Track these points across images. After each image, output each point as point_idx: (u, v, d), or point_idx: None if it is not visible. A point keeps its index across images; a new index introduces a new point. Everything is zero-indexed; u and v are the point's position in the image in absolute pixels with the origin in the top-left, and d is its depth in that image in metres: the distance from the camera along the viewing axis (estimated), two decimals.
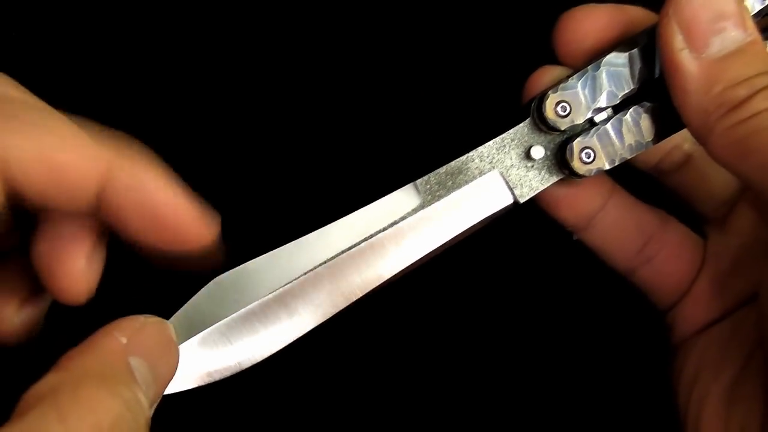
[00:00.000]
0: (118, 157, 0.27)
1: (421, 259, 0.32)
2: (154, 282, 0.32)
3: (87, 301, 0.29)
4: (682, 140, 0.36)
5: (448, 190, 0.33)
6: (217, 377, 0.31)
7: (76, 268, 0.28)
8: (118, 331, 0.26)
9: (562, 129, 0.33)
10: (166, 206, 0.28)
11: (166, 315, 0.30)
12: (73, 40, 0.44)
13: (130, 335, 0.26)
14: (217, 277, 0.31)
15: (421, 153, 0.39)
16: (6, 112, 0.26)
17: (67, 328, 0.30)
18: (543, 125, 0.33)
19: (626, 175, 0.36)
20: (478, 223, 0.33)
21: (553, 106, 0.32)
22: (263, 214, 0.42)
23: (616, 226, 0.36)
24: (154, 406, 0.27)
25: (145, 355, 0.27)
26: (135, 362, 0.26)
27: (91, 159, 0.27)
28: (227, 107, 0.44)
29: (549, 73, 0.34)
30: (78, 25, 0.44)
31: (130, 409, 0.24)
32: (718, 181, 0.36)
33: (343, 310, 0.32)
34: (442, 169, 0.33)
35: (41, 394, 0.23)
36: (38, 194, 0.26)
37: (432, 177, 0.33)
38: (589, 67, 0.32)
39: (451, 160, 0.33)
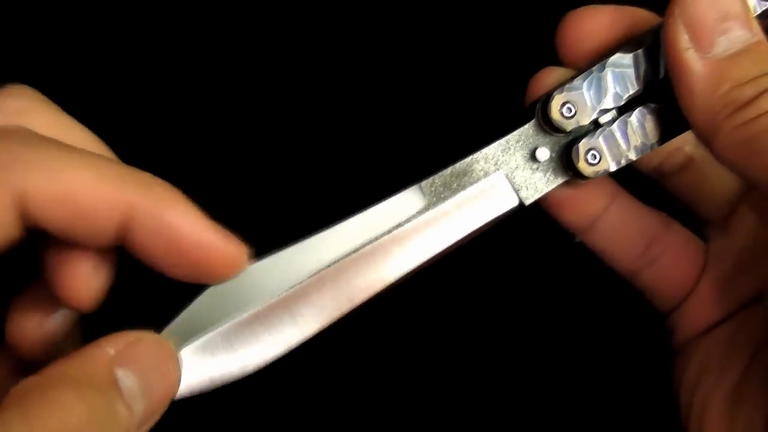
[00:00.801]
0: (140, 194, 0.27)
1: (426, 261, 0.32)
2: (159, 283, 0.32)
3: (94, 308, 0.29)
4: (683, 142, 0.36)
5: (453, 192, 0.32)
6: (219, 383, 0.30)
7: (83, 274, 0.28)
8: (108, 343, 0.26)
9: (568, 130, 0.32)
10: (192, 243, 0.27)
11: (170, 317, 0.30)
12: (74, 40, 0.44)
13: (121, 348, 0.26)
14: None
15: (425, 154, 0.39)
16: (27, 146, 0.26)
17: None
18: (548, 126, 0.33)
19: (628, 178, 0.36)
20: (483, 225, 0.33)
21: (559, 107, 0.32)
22: (266, 217, 0.41)
23: (618, 229, 0.36)
24: (149, 424, 0.27)
25: (135, 368, 0.26)
26: (122, 374, 0.25)
27: (111, 197, 0.26)
28: (224, 113, 0.43)
29: (552, 75, 0.34)
30: (78, 26, 0.44)
31: (99, 415, 0.24)
32: (719, 183, 0.36)
33: (347, 314, 0.31)
34: (447, 171, 0.33)
35: (14, 395, 0.23)
36: (57, 229, 0.26)
37: (437, 178, 0.32)
38: (594, 68, 0.32)
39: (456, 162, 0.33)
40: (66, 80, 0.43)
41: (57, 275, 0.28)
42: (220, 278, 0.29)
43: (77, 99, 0.43)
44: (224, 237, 0.28)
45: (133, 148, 0.43)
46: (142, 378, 0.26)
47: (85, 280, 0.28)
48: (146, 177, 0.27)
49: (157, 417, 0.27)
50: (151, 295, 0.35)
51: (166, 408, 0.27)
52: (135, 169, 0.28)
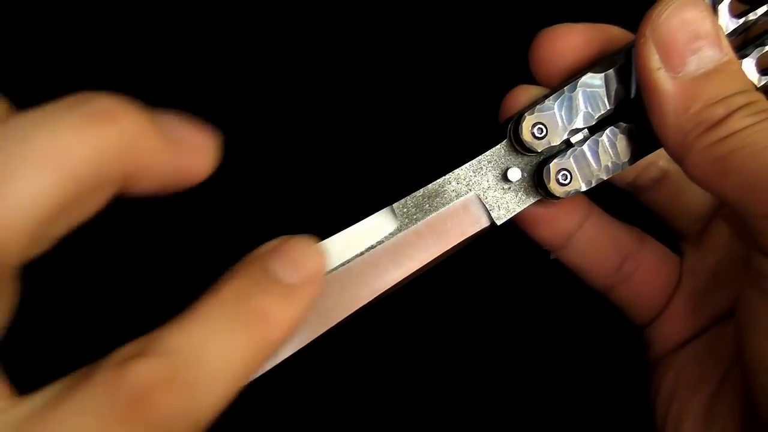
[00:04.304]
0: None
1: (399, 282, 0.32)
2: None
3: None
4: (657, 157, 0.36)
5: (426, 213, 0.33)
6: None
7: None
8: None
9: (539, 151, 0.32)
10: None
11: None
12: (74, 39, 0.44)
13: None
14: None
15: (397, 176, 0.39)
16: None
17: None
18: (519, 147, 0.33)
19: (603, 193, 0.36)
20: (456, 245, 0.33)
21: (530, 128, 0.32)
22: (239, 241, 0.41)
23: (593, 245, 0.36)
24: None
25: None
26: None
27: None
28: None
29: (525, 93, 0.34)
30: (78, 25, 0.44)
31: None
32: (693, 196, 0.36)
33: (320, 336, 0.31)
34: (419, 192, 0.33)
35: None
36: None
37: (409, 200, 0.33)
38: (565, 88, 0.32)
39: (428, 183, 0.33)
40: (66, 80, 0.43)
41: None
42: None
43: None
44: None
45: None
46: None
47: None
48: None
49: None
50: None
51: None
52: None
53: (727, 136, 0.28)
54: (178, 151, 0.25)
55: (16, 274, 0.23)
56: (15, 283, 0.23)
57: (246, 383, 0.25)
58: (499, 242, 0.38)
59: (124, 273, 0.43)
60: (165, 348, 0.23)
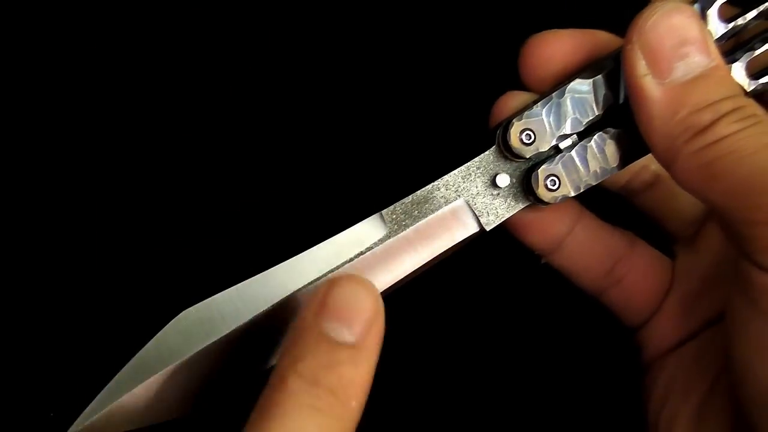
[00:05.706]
0: None
1: (388, 289, 0.32)
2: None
3: None
4: (649, 160, 0.36)
5: (415, 220, 0.33)
6: (181, 413, 0.31)
7: None
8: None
9: (527, 157, 0.32)
10: None
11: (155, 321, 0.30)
12: (74, 39, 0.44)
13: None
14: (185, 311, 0.31)
15: (386, 183, 0.39)
16: None
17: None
18: (508, 153, 0.33)
19: (595, 196, 0.36)
20: (446, 251, 0.33)
21: (518, 134, 0.32)
22: (229, 244, 0.42)
23: (584, 249, 0.36)
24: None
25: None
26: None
27: None
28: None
29: (515, 99, 0.34)
30: (78, 25, 0.44)
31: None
32: (686, 200, 0.36)
33: None
34: (408, 199, 0.33)
35: None
36: None
37: (398, 207, 0.33)
38: (553, 94, 0.32)
39: (417, 190, 0.33)
40: (66, 80, 0.43)
41: None
42: None
43: (78, 98, 0.43)
44: None
45: (133, 147, 0.43)
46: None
47: None
48: None
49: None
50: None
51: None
52: None
53: (714, 142, 0.28)
54: None
55: None
56: None
57: None
58: (491, 247, 0.38)
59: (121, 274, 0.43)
60: None
